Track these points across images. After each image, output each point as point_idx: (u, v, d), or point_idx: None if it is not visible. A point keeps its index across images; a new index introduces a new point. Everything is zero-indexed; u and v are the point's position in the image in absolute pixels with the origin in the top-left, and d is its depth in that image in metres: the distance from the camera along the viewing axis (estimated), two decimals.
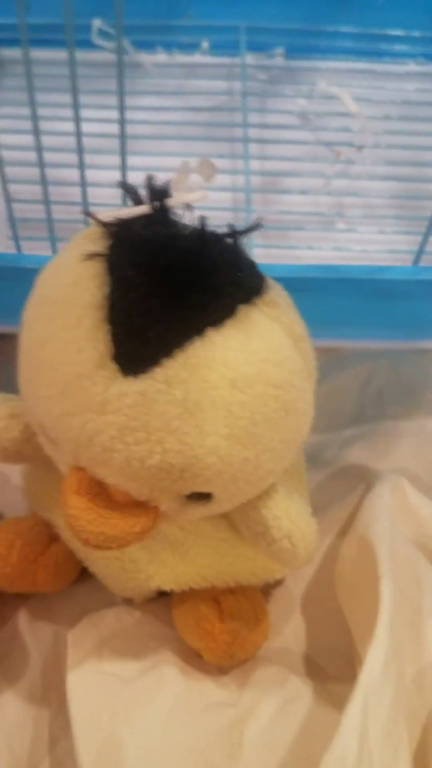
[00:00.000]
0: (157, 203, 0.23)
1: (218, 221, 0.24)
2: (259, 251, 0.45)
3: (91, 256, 0.23)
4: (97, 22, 0.57)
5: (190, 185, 0.24)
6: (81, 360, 0.23)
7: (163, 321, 0.22)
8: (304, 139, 0.53)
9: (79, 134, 0.32)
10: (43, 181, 0.34)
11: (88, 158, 0.34)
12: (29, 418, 0.27)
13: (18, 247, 0.37)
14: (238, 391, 0.23)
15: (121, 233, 0.23)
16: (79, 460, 0.24)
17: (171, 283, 0.22)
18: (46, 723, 0.31)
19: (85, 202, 0.34)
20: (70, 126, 0.32)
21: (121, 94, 0.30)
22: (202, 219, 0.23)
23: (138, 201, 0.24)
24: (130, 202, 0.24)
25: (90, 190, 0.35)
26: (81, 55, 0.36)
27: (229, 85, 0.58)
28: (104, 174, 0.36)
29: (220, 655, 0.31)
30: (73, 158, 0.33)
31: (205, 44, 0.59)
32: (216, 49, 0.59)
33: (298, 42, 0.59)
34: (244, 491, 0.25)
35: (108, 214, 0.24)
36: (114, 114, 0.31)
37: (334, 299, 0.38)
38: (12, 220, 0.36)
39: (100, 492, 0.24)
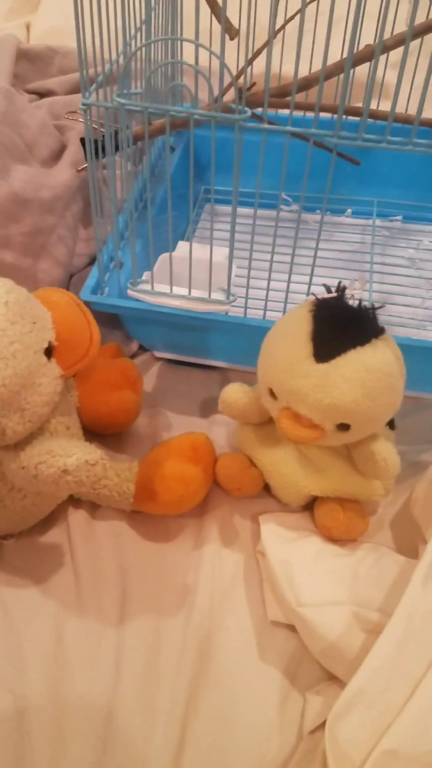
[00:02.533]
0: (339, 292, 0.53)
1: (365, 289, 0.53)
2: None
3: (309, 311, 0.52)
4: (281, 193, 0.91)
5: (354, 287, 0.53)
6: (298, 355, 0.51)
7: (337, 339, 0.50)
8: (409, 274, 0.83)
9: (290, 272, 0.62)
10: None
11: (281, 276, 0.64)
12: (260, 388, 0.56)
13: (245, 312, 0.67)
14: (369, 374, 0.50)
15: (320, 303, 0.52)
16: (289, 402, 0.52)
17: (342, 323, 0.51)
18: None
19: (286, 298, 0.64)
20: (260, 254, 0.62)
21: (296, 240, 0.61)
22: (360, 300, 0.52)
23: (329, 291, 0.53)
24: (324, 293, 0.54)
25: (292, 286, 0.65)
26: (270, 213, 0.66)
27: (362, 237, 0.89)
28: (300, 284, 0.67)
29: (342, 532, 0.57)
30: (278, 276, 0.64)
31: (348, 211, 0.91)
32: (356, 214, 0.91)
33: (412, 212, 0.91)
34: (365, 427, 0.52)
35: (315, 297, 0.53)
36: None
37: (419, 364, 0.65)
38: (246, 294, 0.66)
39: (297, 418, 0.52)
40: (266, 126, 0.53)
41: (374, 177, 0.89)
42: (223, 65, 0.50)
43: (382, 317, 0.75)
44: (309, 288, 0.64)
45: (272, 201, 0.59)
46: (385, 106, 0.88)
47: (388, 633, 0.47)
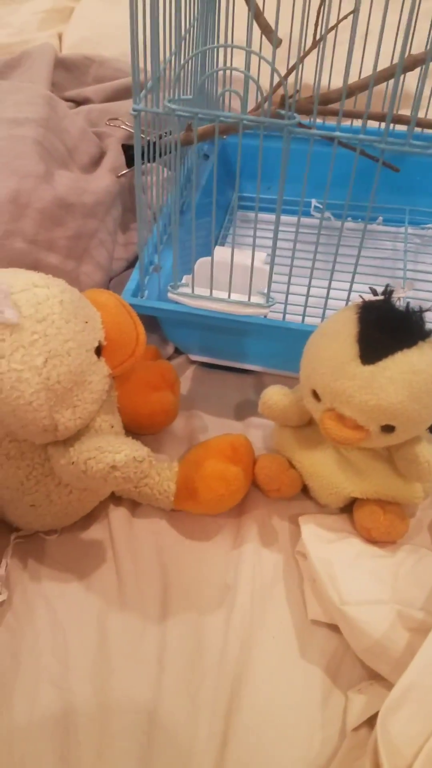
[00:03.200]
0: (386, 294, 0.53)
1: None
2: None
3: (356, 313, 0.53)
4: (313, 201, 0.92)
5: (399, 290, 0.54)
6: (344, 356, 0.52)
7: (384, 341, 0.51)
8: None
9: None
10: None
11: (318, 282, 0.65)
12: (303, 389, 0.57)
13: (284, 316, 0.67)
14: (416, 376, 0.51)
15: (367, 305, 0.53)
16: (333, 404, 0.53)
17: (389, 325, 0.51)
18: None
19: (325, 304, 0.65)
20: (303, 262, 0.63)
21: (338, 247, 0.62)
22: (407, 302, 0.53)
23: (375, 294, 0.54)
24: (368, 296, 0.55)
25: (333, 292, 0.66)
26: (304, 220, 0.66)
27: (393, 245, 0.90)
28: (339, 291, 0.68)
29: (383, 534, 0.57)
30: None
31: (380, 218, 0.92)
32: (387, 222, 0.92)
33: None
34: (410, 430, 0.53)
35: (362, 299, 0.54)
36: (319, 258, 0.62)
37: None
38: (286, 299, 0.67)
39: (341, 419, 0.53)
40: (315, 132, 0.54)
41: (406, 185, 0.90)
42: (273, 70, 0.51)
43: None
44: (349, 293, 0.64)
45: (299, 208, 0.60)
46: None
47: (421, 655, 0.47)
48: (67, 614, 0.56)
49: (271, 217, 0.61)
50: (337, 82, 0.83)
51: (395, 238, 0.91)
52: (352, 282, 0.64)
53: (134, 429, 0.66)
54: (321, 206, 0.92)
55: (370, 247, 0.89)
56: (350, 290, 0.64)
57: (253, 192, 0.86)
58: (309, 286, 0.65)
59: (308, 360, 0.56)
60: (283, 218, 0.60)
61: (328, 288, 0.64)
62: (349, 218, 0.92)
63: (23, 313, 0.47)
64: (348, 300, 0.65)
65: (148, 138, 0.65)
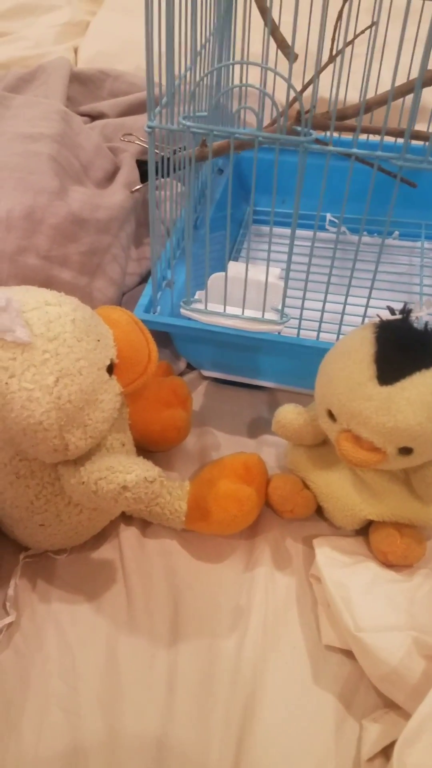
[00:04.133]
0: (404, 314, 0.52)
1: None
2: None
3: (373, 332, 0.52)
4: (328, 215, 0.91)
5: (420, 310, 0.53)
6: (361, 377, 0.51)
7: (402, 361, 0.50)
8: None
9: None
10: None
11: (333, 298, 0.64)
12: (318, 409, 0.56)
13: (298, 333, 0.66)
14: None
15: (384, 324, 0.52)
16: (349, 425, 0.52)
17: (407, 345, 0.50)
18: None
19: (341, 320, 0.64)
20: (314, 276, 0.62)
21: (355, 262, 0.61)
22: (426, 322, 0.51)
23: (393, 313, 0.53)
24: (386, 314, 0.54)
25: (348, 308, 0.65)
26: (319, 234, 0.66)
27: (410, 260, 0.89)
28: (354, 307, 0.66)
29: (399, 558, 0.56)
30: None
31: (396, 233, 0.91)
32: (403, 236, 0.91)
33: None
34: (428, 452, 0.51)
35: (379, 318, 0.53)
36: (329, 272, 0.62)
37: None
38: (301, 315, 0.66)
39: (358, 441, 0.52)
40: (331, 149, 0.53)
41: (422, 199, 0.89)
42: (289, 86, 0.51)
43: None
44: (365, 310, 0.63)
45: (312, 222, 0.60)
46: None
47: None
48: (76, 637, 0.55)
49: (286, 231, 0.60)
50: (353, 96, 0.83)
51: (411, 252, 0.90)
52: (369, 298, 0.63)
53: (145, 446, 0.65)
54: (336, 221, 0.92)
55: (386, 262, 0.88)
56: (367, 306, 0.63)
57: (267, 206, 0.85)
58: (324, 302, 0.64)
59: (324, 379, 0.55)
60: (298, 232, 0.59)
61: (344, 304, 0.63)
62: (365, 233, 0.91)
63: (35, 332, 0.47)
64: (365, 317, 0.64)
65: (162, 154, 0.64)
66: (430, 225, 0.90)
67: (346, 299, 0.63)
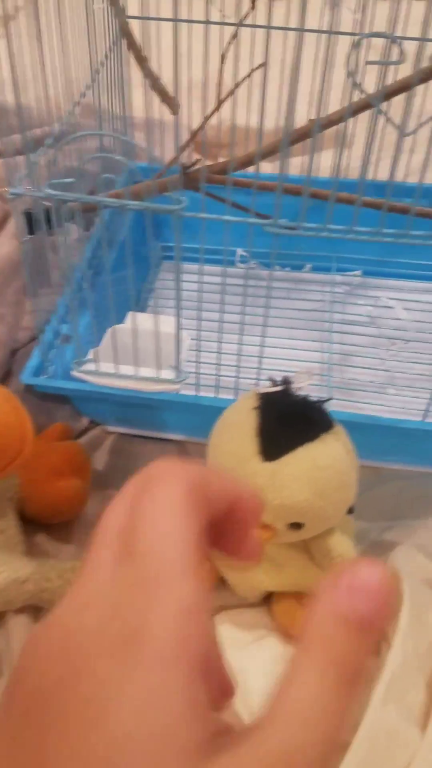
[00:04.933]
0: (285, 385, 0.50)
1: (312, 382, 0.51)
2: (336, 402, 0.70)
3: (255, 406, 0.49)
4: (239, 250, 0.89)
5: (302, 377, 0.50)
6: (245, 452, 0.48)
7: (284, 436, 0.48)
8: (369, 333, 0.81)
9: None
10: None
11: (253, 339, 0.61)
12: None
13: (197, 390, 0.64)
14: (320, 471, 0.47)
15: (265, 397, 0.50)
16: None
17: (290, 420, 0.48)
18: None
19: (237, 372, 0.62)
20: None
21: (267, 299, 0.58)
22: (307, 394, 0.49)
23: (275, 384, 0.50)
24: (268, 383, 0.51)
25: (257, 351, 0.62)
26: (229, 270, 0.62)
27: (322, 296, 0.87)
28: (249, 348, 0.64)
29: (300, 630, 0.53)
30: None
31: (308, 266, 0.89)
32: (315, 270, 0.89)
33: (370, 268, 0.89)
34: (318, 526, 0.49)
35: (260, 389, 0.51)
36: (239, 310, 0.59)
37: (378, 437, 0.63)
38: (197, 373, 0.63)
39: None
40: (205, 216, 0.50)
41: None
42: (176, 139, 0.48)
43: (342, 380, 0.74)
44: (260, 360, 0.61)
45: (223, 257, 0.56)
46: None
47: (353, 753, 0.44)
48: None
49: (193, 267, 0.56)
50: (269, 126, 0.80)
51: (323, 286, 0.88)
52: (261, 345, 0.60)
53: (40, 519, 0.62)
54: (247, 255, 0.89)
55: (298, 298, 0.86)
56: (261, 355, 0.61)
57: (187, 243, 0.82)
58: (219, 352, 0.61)
59: (212, 452, 0.52)
60: (208, 268, 0.55)
61: (239, 354, 0.60)
62: (277, 267, 0.89)
63: None
64: (260, 366, 0.61)
65: (48, 205, 0.61)
66: (341, 257, 0.88)
67: (239, 350, 0.60)
